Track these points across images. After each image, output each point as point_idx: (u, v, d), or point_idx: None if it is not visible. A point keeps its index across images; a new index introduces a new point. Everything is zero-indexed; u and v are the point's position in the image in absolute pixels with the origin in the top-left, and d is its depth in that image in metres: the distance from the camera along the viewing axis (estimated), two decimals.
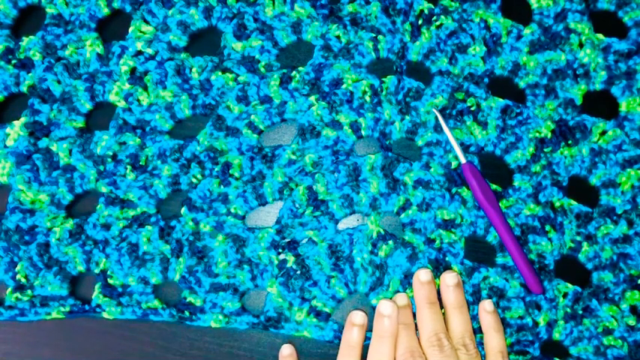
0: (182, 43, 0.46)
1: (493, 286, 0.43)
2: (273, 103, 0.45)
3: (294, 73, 0.45)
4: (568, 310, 0.43)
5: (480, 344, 0.42)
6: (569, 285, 0.43)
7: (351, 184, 0.44)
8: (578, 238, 0.44)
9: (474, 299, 0.43)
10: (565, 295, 0.43)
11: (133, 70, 0.45)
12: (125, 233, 0.43)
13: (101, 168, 0.44)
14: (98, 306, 0.42)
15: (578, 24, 0.45)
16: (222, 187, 0.44)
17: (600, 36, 0.45)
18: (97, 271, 0.43)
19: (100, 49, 0.45)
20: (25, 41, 0.45)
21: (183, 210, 0.44)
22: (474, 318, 0.42)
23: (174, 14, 0.46)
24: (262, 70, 0.46)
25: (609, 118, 0.45)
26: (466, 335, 0.40)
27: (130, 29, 0.46)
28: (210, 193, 0.44)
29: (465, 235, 0.44)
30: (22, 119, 0.44)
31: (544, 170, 0.44)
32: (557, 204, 0.44)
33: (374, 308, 0.42)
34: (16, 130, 0.44)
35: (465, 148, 0.45)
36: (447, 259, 0.43)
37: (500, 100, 0.45)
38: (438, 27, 0.46)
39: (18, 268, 0.42)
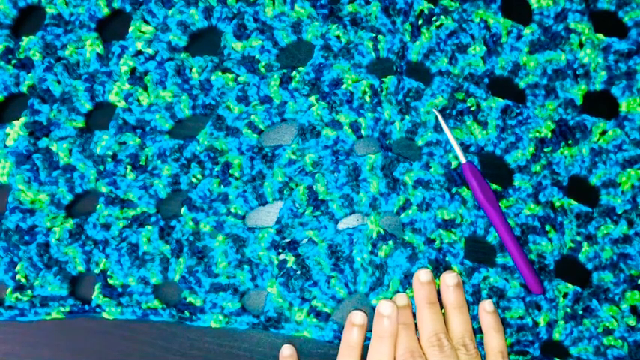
0: (182, 43, 0.46)
1: (493, 286, 0.43)
2: (273, 103, 0.45)
3: (294, 73, 0.45)
4: (568, 310, 0.43)
5: (480, 344, 0.42)
6: (569, 285, 0.43)
7: (351, 184, 0.44)
8: (578, 238, 0.44)
9: (474, 299, 0.43)
10: (565, 295, 0.43)
11: (133, 70, 0.45)
12: (125, 233, 0.43)
13: (101, 168, 0.44)
14: (98, 306, 0.42)
15: (578, 24, 0.45)
16: (222, 187, 0.44)
17: (600, 36, 0.45)
18: (97, 271, 0.43)
19: (100, 49, 0.45)
20: (25, 41, 0.45)
21: (183, 210, 0.44)
22: (474, 318, 0.42)
23: (174, 14, 0.46)
24: (262, 70, 0.46)
25: (609, 118, 0.45)
26: (466, 335, 0.40)
27: (130, 29, 0.46)
28: (210, 193, 0.44)
29: (465, 235, 0.44)
30: (22, 119, 0.44)
31: (544, 170, 0.44)
32: (557, 204, 0.44)
33: (374, 308, 0.42)
34: (16, 130, 0.44)
35: (465, 148, 0.45)
36: (447, 259, 0.43)
37: (500, 100, 0.45)
38: (438, 27, 0.46)
39: (18, 268, 0.42)
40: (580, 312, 0.43)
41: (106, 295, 0.42)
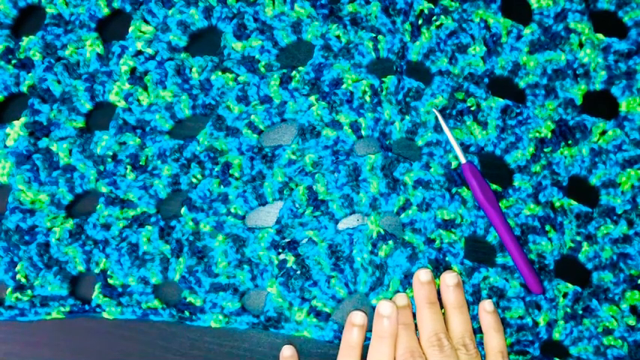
0: (182, 43, 0.46)
1: (493, 286, 0.43)
2: (273, 103, 0.45)
3: (294, 73, 0.45)
4: (568, 310, 0.43)
5: (480, 344, 0.42)
6: (569, 285, 0.43)
7: (351, 184, 0.44)
8: (578, 238, 0.44)
9: (474, 299, 0.43)
10: (565, 295, 0.43)
11: (133, 70, 0.45)
12: (125, 233, 0.43)
13: (101, 168, 0.44)
14: (98, 306, 0.42)
15: (578, 24, 0.45)
16: (222, 187, 0.44)
17: (600, 36, 0.45)
18: (97, 271, 0.43)
19: (100, 49, 0.45)
20: (25, 41, 0.45)
21: (183, 210, 0.44)
22: (474, 318, 0.42)
23: (174, 14, 0.46)
24: (262, 70, 0.46)
25: (609, 118, 0.45)
26: (466, 335, 0.40)
27: (130, 29, 0.46)
28: (210, 193, 0.44)
29: (465, 235, 0.44)
30: (22, 119, 0.44)
31: (544, 170, 0.44)
32: (557, 204, 0.44)
33: (374, 308, 0.42)
34: (16, 130, 0.44)
35: (465, 148, 0.45)
36: (447, 259, 0.43)
37: (500, 100, 0.45)
38: (438, 27, 0.46)
39: (18, 268, 0.42)
40: (580, 312, 0.43)
41: (106, 295, 0.42)
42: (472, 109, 0.45)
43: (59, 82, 0.45)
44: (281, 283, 0.43)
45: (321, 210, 0.44)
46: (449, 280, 0.41)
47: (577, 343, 0.43)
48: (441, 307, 0.42)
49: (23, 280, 0.42)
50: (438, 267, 0.43)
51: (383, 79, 0.45)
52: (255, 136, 0.45)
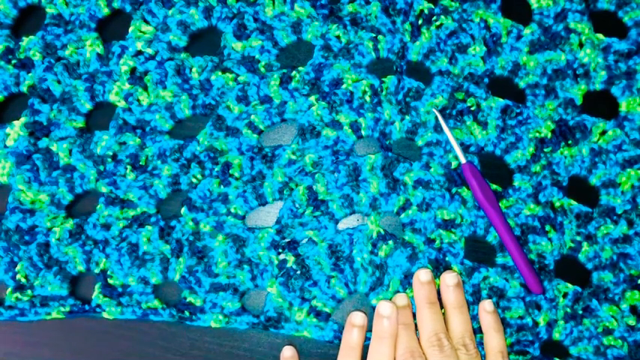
0: (182, 43, 0.46)
1: (493, 286, 0.43)
2: (273, 103, 0.45)
3: (294, 73, 0.45)
4: (568, 310, 0.43)
5: (480, 344, 0.42)
6: (569, 285, 0.43)
7: (351, 184, 0.44)
8: (578, 238, 0.44)
9: (474, 299, 0.43)
10: (565, 295, 0.43)
11: (133, 70, 0.45)
12: (125, 233, 0.43)
13: (101, 168, 0.44)
14: (98, 306, 0.42)
15: (578, 24, 0.45)
16: (222, 187, 0.44)
17: (600, 36, 0.45)
18: (97, 271, 0.43)
19: (100, 49, 0.45)
20: (25, 41, 0.45)
21: (183, 210, 0.44)
22: (474, 318, 0.42)
23: (174, 14, 0.46)
24: (262, 70, 0.46)
25: (609, 118, 0.45)
26: (466, 335, 0.40)
27: (130, 29, 0.46)
28: (210, 193, 0.44)
29: (465, 235, 0.44)
30: (22, 119, 0.44)
31: (544, 170, 0.44)
32: (557, 204, 0.44)
33: (374, 308, 0.42)
34: (16, 130, 0.44)
35: (465, 148, 0.45)
36: (447, 259, 0.43)
37: (500, 100, 0.45)
38: (438, 27, 0.46)
39: (18, 268, 0.42)
40: (580, 312, 0.43)
41: (106, 295, 0.42)
42: (472, 109, 0.45)
43: (59, 82, 0.45)
44: (281, 283, 0.43)
45: (321, 210, 0.44)
46: (449, 280, 0.41)
47: (577, 343, 0.43)
48: (441, 307, 0.42)
49: (23, 280, 0.42)
50: (438, 267, 0.43)
51: (383, 79, 0.45)
52: (255, 136, 0.45)
